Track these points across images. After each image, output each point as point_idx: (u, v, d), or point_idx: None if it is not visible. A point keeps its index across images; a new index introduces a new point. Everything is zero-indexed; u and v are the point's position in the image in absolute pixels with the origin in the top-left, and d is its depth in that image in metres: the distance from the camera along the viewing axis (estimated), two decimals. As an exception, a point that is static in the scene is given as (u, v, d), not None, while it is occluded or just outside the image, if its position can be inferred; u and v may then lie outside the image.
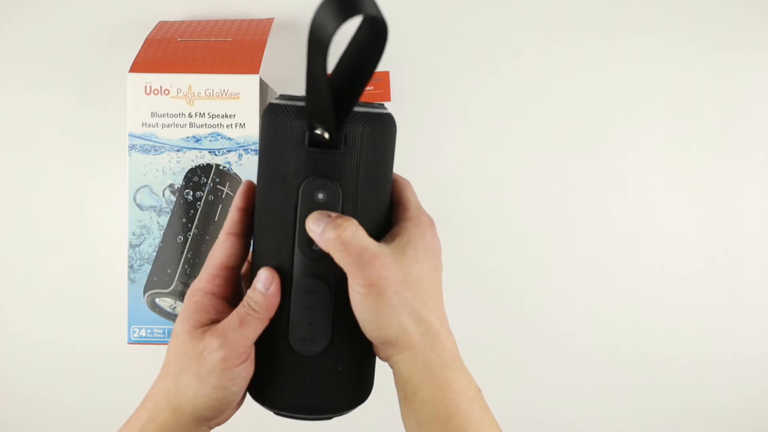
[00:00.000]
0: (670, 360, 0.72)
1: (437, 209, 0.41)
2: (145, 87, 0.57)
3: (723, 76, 0.71)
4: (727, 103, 0.71)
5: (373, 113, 0.35)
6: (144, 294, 0.58)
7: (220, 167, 0.58)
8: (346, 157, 0.34)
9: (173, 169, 0.58)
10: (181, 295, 0.58)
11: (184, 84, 0.57)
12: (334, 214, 0.34)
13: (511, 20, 0.70)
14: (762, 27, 0.70)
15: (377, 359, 0.39)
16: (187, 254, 0.58)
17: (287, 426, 0.42)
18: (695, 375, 0.72)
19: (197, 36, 0.62)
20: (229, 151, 0.58)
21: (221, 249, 0.38)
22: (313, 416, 0.37)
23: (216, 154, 0.58)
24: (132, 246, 0.58)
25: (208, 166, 0.58)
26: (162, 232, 0.58)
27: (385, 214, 0.38)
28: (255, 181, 0.38)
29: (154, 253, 0.58)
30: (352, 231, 0.34)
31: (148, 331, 0.59)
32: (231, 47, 0.61)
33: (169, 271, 0.58)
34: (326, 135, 0.33)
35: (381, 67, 0.31)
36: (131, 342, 0.59)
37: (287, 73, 0.61)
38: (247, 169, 0.58)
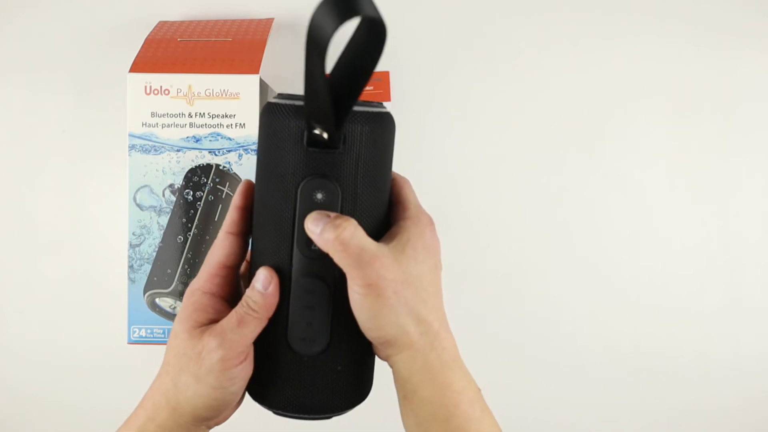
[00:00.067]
0: (671, 360, 0.72)
1: (437, 209, 0.41)
2: (145, 87, 0.57)
3: (723, 76, 0.71)
4: (727, 103, 0.71)
5: (372, 112, 0.35)
6: (144, 294, 0.58)
7: (220, 167, 0.58)
8: (345, 157, 0.34)
9: (173, 169, 0.58)
10: (181, 295, 0.58)
11: (184, 84, 0.57)
12: (333, 214, 0.34)
13: (511, 20, 0.70)
14: (762, 27, 0.70)
15: (376, 358, 0.39)
16: (187, 254, 0.58)
17: (286, 425, 0.42)
18: (695, 375, 0.72)
19: (197, 36, 0.62)
20: (229, 151, 0.58)
21: (220, 248, 0.38)
22: (312, 416, 0.37)
23: (216, 154, 0.58)
24: (132, 246, 0.58)
25: (208, 166, 0.58)
26: (162, 232, 0.58)
27: (384, 213, 0.38)
28: (254, 180, 0.38)
29: (154, 253, 0.58)
30: (351, 231, 0.34)
31: (148, 331, 0.59)
32: (231, 47, 0.61)
33: (169, 271, 0.58)
34: (325, 135, 0.33)
35: (381, 67, 0.31)
36: (131, 342, 0.59)
37: (287, 73, 0.61)
38: (247, 169, 0.58)
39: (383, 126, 0.36)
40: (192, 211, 0.58)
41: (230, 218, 0.38)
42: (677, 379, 0.72)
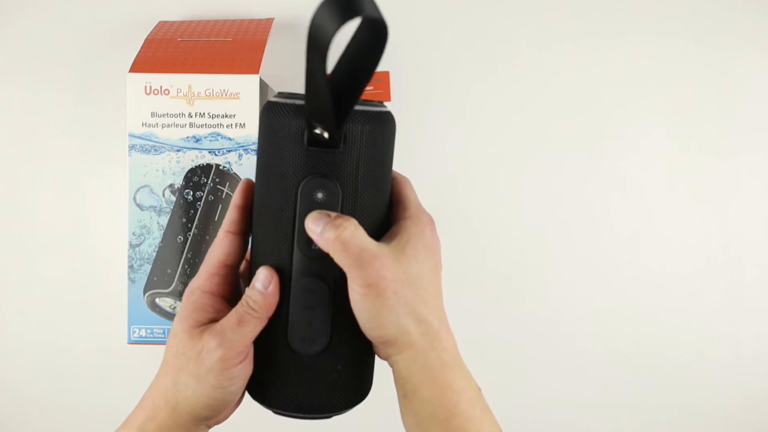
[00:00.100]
0: (671, 360, 0.72)
1: (437, 209, 0.41)
2: (145, 87, 0.57)
3: (723, 76, 0.71)
4: (727, 103, 0.71)
5: (372, 112, 0.35)
6: (144, 294, 0.58)
7: (220, 167, 0.58)
8: (345, 156, 0.34)
9: (173, 169, 0.58)
10: (181, 295, 0.58)
11: (184, 84, 0.57)
12: (333, 214, 0.34)
13: (511, 20, 0.70)
14: (762, 27, 0.70)
15: (376, 358, 0.39)
16: (187, 254, 0.58)
17: (286, 425, 0.42)
18: (695, 375, 0.72)
19: (197, 36, 0.62)
20: (229, 151, 0.58)
21: (220, 247, 0.38)
22: (312, 415, 0.37)
23: (216, 154, 0.58)
24: (132, 246, 0.58)
25: (208, 166, 0.58)
26: (162, 232, 0.58)
27: (385, 212, 0.38)
28: (254, 179, 0.38)
29: (154, 253, 0.58)
30: (352, 231, 0.34)
31: (148, 331, 0.59)
32: (231, 47, 0.61)
33: (169, 271, 0.58)
34: (325, 134, 0.33)
35: (381, 67, 0.31)
36: (131, 342, 0.59)
37: (287, 73, 0.61)
38: (247, 169, 0.58)
39: (384, 125, 0.36)
40: (192, 211, 0.58)
41: (230, 217, 0.38)
42: (677, 379, 0.72)
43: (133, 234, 0.58)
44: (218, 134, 0.58)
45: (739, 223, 0.71)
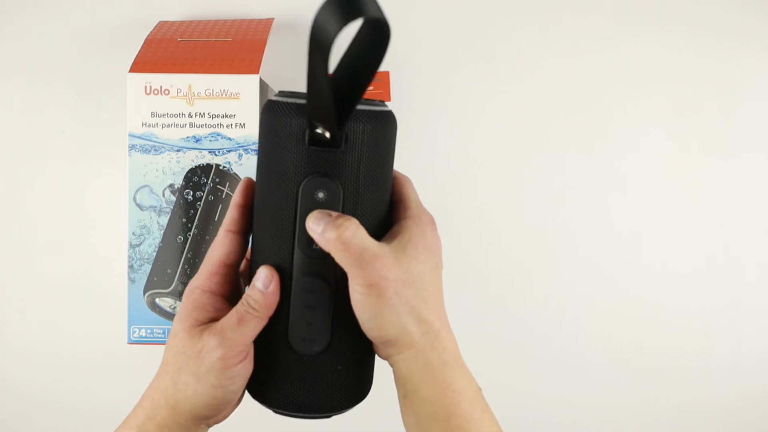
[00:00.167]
0: (671, 360, 0.72)
1: (437, 209, 0.41)
2: (145, 87, 0.57)
3: (723, 76, 0.71)
4: (727, 103, 0.71)
5: (374, 111, 0.35)
6: (144, 294, 0.58)
7: (220, 167, 0.58)
8: (346, 156, 0.34)
9: (173, 169, 0.58)
10: (180, 295, 0.58)
11: (184, 84, 0.57)
12: (334, 214, 0.34)
13: (511, 20, 0.70)
14: (762, 27, 0.70)
15: (377, 357, 0.39)
16: (187, 254, 0.58)
17: (286, 424, 0.42)
18: (695, 375, 0.72)
19: (197, 36, 0.62)
20: (229, 151, 0.58)
21: (220, 246, 0.38)
22: (312, 415, 0.37)
23: (216, 154, 0.58)
24: (132, 246, 0.58)
25: (208, 166, 0.58)
26: (162, 232, 0.58)
27: (386, 212, 0.38)
28: (254, 178, 0.38)
29: (154, 253, 0.58)
30: (353, 231, 0.34)
31: (148, 331, 0.59)
32: (231, 47, 0.61)
33: (169, 271, 0.58)
34: (327, 134, 0.33)
35: (381, 67, 0.31)
36: (131, 342, 0.59)
37: (287, 73, 0.61)
38: (247, 169, 0.58)
39: (385, 125, 0.36)
40: (192, 211, 0.58)
41: (230, 216, 0.38)
42: (677, 379, 0.72)
43: (133, 234, 0.58)
44: (218, 134, 0.58)
45: (739, 223, 0.71)
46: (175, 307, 0.58)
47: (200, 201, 0.58)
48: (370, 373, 0.40)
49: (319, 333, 0.36)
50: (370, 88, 0.68)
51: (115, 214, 0.68)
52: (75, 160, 0.69)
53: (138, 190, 0.58)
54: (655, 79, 0.70)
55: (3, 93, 0.69)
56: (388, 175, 0.38)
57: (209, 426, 0.38)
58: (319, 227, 0.34)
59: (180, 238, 0.58)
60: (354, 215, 0.35)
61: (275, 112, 0.35)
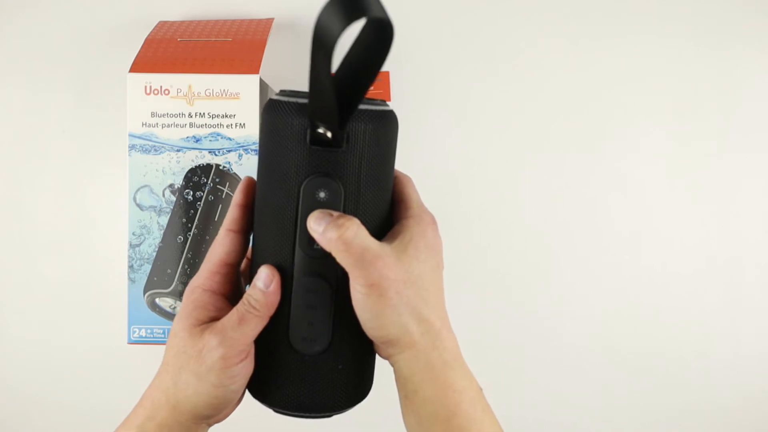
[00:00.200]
0: (670, 360, 0.72)
1: (437, 209, 0.41)
2: (145, 87, 0.57)
3: (723, 76, 0.71)
4: (727, 103, 0.71)
5: (375, 111, 0.35)
6: (144, 294, 0.58)
7: (220, 167, 0.58)
8: (348, 156, 0.34)
9: (173, 169, 0.58)
10: (181, 295, 0.58)
11: (184, 84, 0.57)
12: (335, 214, 0.34)
13: (511, 20, 0.71)
14: (762, 27, 0.70)
15: (377, 357, 0.39)
16: (187, 254, 0.58)
17: (287, 424, 0.42)
18: (695, 375, 0.72)
19: (197, 36, 0.62)
20: (229, 151, 0.58)
21: (221, 246, 0.38)
22: (312, 414, 0.37)
23: (216, 154, 0.58)
24: (132, 246, 0.58)
25: (208, 166, 0.58)
26: (162, 232, 0.58)
27: (387, 212, 0.38)
28: (255, 177, 0.38)
29: (154, 253, 0.58)
30: (354, 231, 0.34)
31: (148, 331, 0.59)
32: (231, 47, 0.61)
33: (169, 271, 0.58)
34: (329, 134, 0.33)
35: (381, 66, 0.31)
36: (131, 342, 0.59)
37: (287, 73, 0.61)
38: (247, 169, 0.58)
39: (387, 124, 0.36)
40: (192, 211, 0.58)
41: (231, 215, 0.38)
42: (677, 379, 0.72)
43: (133, 234, 0.58)
44: (218, 134, 0.58)
45: (739, 223, 0.71)
46: (175, 307, 0.58)
47: (200, 201, 0.58)
48: (370, 372, 0.40)
49: (320, 333, 0.36)
50: (371, 88, 0.68)
51: (115, 214, 0.68)
52: (75, 160, 0.69)
53: (138, 190, 0.58)
54: (655, 79, 0.70)
55: (3, 93, 0.69)
56: (390, 175, 0.37)
57: (210, 425, 0.38)
58: (321, 227, 0.34)
59: (180, 238, 0.58)
60: (355, 215, 0.35)
61: (277, 111, 0.35)
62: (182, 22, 0.66)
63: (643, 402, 0.72)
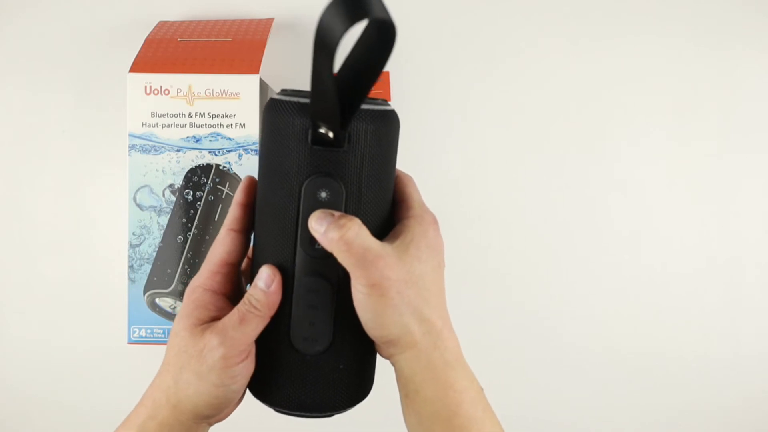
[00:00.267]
0: (670, 360, 0.72)
1: (437, 209, 0.41)
2: (145, 87, 0.57)
3: (723, 76, 0.71)
4: (727, 103, 0.71)
5: (377, 110, 0.35)
6: (144, 294, 0.58)
7: (220, 167, 0.58)
8: (349, 156, 0.34)
9: (173, 169, 0.58)
10: (181, 295, 0.58)
11: (184, 84, 0.57)
12: (337, 214, 0.34)
13: (511, 20, 0.71)
14: (762, 27, 0.70)
15: (378, 357, 0.39)
16: (187, 254, 0.58)
17: (287, 423, 0.42)
18: (695, 375, 0.72)
19: (197, 36, 0.62)
20: (229, 151, 0.58)
21: (222, 245, 0.38)
22: (313, 414, 0.37)
23: (216, 154, 0.58)
24: (132, 246, 0.58)
25: (208, 166, 0.58)
26: (162, 232, 0.58)
27: (388, 211, 0.38)
28: (256, 176, 0.38)
29: (154, 253, 0.58)
30: (356, 231, 0.34)
31: (148, 331, 0.59)
32: (231, 47, 0.60)
33: (169, 271, 0.58)
34: (330, 134, 0.33)
35: (381, 67, 0.31)
36: (131, 342, 0.59)
37: (287, 73, 0.62)
38: (247, 169, 0.58)
39: (388, 124, 0.36)
40: (192, 211, 0.58)
41: (232, 215, 0.38)
42: (677, 379, 0.72)
43: (133, 234, 0.58)
44: (218, 134, 0.58)
45: (739, 223, 0.71)
46: (175, 307, 0.58)
47: (200, 201, 0.58)
48: (371, 372, 0.40)
49: (321, 332, 0.36)
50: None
51: (115, 214, 0.68)
52: (75, 160, 0.69)
53: (138, 190, 0.58)
54: (655, 79, 0.71)
55: (3, 93, 0.69)
56: (391, 175, 0.37)
57: (210, 425, 0.38)
58: (322, 227, 0.34)
59: (180, 238, 0.58)
60: (357, 215, 0.35)
61: (278, 110, 0.35)
62: (182, 22, 0.66)
63: (643, 402, 0.72)
